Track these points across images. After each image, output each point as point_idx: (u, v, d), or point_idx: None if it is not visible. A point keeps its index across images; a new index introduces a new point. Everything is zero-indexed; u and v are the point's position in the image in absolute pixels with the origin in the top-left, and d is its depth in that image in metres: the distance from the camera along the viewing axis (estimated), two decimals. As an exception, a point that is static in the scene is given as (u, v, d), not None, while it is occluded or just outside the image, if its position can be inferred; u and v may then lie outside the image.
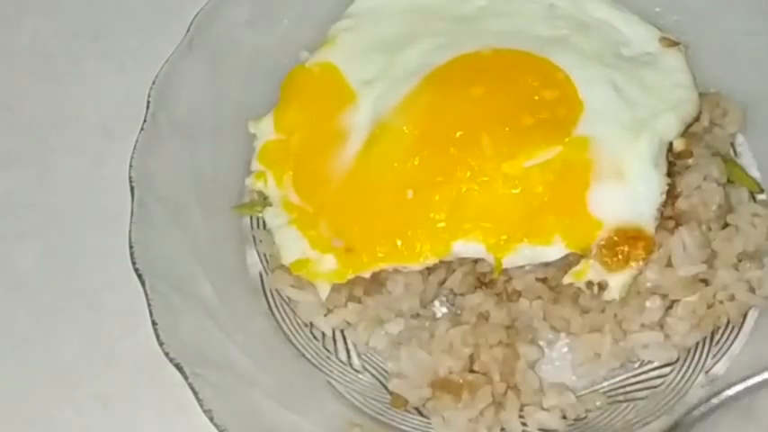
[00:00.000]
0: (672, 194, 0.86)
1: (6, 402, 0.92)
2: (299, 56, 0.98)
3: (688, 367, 0.87)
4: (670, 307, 0.86)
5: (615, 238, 0.83)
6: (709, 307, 0.86)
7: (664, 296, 0.85)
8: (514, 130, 0.85)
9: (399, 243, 0.85)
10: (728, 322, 0.87)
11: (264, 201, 0.93)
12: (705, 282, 0.86)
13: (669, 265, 0.84)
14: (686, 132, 0.89)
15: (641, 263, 0.83)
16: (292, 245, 0.89)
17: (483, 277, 0.88)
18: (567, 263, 0.85)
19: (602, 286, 0.83)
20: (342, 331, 0.91)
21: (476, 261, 0.86)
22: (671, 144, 0.88)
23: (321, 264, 0.87)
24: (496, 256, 0.84)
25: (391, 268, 0.86)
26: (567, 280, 0.84)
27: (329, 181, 0.89)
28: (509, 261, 0.85)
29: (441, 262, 0.86)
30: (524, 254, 0.84)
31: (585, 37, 0.93)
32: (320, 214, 0.88)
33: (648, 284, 0.84)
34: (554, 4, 0.96)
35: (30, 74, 1.09)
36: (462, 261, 0.87)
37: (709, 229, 0.86)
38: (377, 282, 0.88)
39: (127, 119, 0.93)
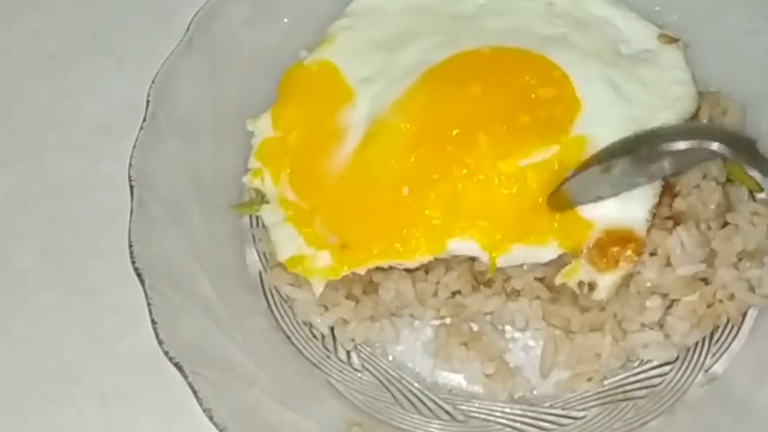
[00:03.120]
0: (670, 194, 0.86)
1: (6, 402, 0.92)
2: (299, 54, 0.98)
3: (687, 366, 0.87)
4: (670, 306, 0.86)
5: (605, 239, 0.83)
6: (709, 306, 0.86)
7: (664, 296, 0.85)
8: (511, 129, 0.85)
9: (395, 240, 0.85)
10: (728, 321, 0.87)
11: (262, 199, 0.93)
12: (705, 281, 0.86)
13: (668, 264, 0.84)
14: (685, 131, 0.89)
15: (630, 264, 0.83)
16: (288, 242, 0.89)
17: (480, 276, 0.88)
18: (564, 263, 0.85)
19: (592, 286, 0.84)
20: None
21: (473, 260, 0.86)
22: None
23: (316, 260, 0.87)
24: (491, 254, 0.84)
25: (387, 265, 0.86)
26: (558, 280, 0.84)
27: (325, 178, 0.89)
28: (503, 260, 0.85)
29: (436, 260, 0.86)
30: (518, 254, 0.85)
31: (584, 35, 0.93)
32: (316, 211, 0.89)
33: (648, 284, 0.84)
34: (553, 3, 0.96)
35: (29, 72, 1.09)
36: (460, 260, 0.87)
37: (709, 228, 0.86)
38: (374, 282, 0.88)
39: (126, 118, 0.93)
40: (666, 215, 0.86)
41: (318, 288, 0.87)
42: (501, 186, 0.84)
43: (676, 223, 0.85)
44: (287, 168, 0.92)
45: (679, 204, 0.86)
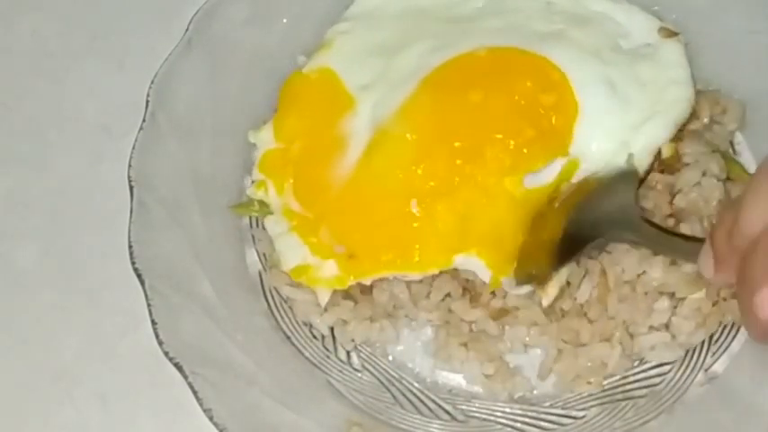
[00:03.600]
0: (670, 192, 0.86)
1: (6, 402, 0.92)
2: (297, 59, 0.97)
3: (687, 366, 0.87)
4: (675, 306, 0.86)
5: None
6: (714, 305, 0.86)
7: (671, 297, 0.85)
8: (517, 143, 0.85)
9: (403, 251, 0.84)
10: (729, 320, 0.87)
11: (262, 205, 0.93)
12: (710, 278, 0.86)
13: (674, 263, 0.84)
14: (684, 131, 0.89)
15: None
16: (293, 251, 0.88)
17: (468, 284, 0.88)
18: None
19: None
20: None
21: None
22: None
23: (322, 269, 0.87)
24: (495, 274, 0.84)
25: (392, 276, 0.86)
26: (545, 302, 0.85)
27: (330, 187, 0.88)
28: (503, 282, 0.85)
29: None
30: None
31: (582, 31, 0.92)
32: (321, 221, 0.88)
33: (654, 284, 0.84)
34: (552, 2, 0.96)
35: (28, 72, 1.09)
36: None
37: (712, 225, 0.86)
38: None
39: (126, 118, 0.92)
40: (667, 213, 0.86)
41: (324, 297, 0.87)
42: (508, 207, 0.84)
43: (678, 221, 0.85)
44: (290, 178, 0.91)
45: (680, 201, 0.86)
